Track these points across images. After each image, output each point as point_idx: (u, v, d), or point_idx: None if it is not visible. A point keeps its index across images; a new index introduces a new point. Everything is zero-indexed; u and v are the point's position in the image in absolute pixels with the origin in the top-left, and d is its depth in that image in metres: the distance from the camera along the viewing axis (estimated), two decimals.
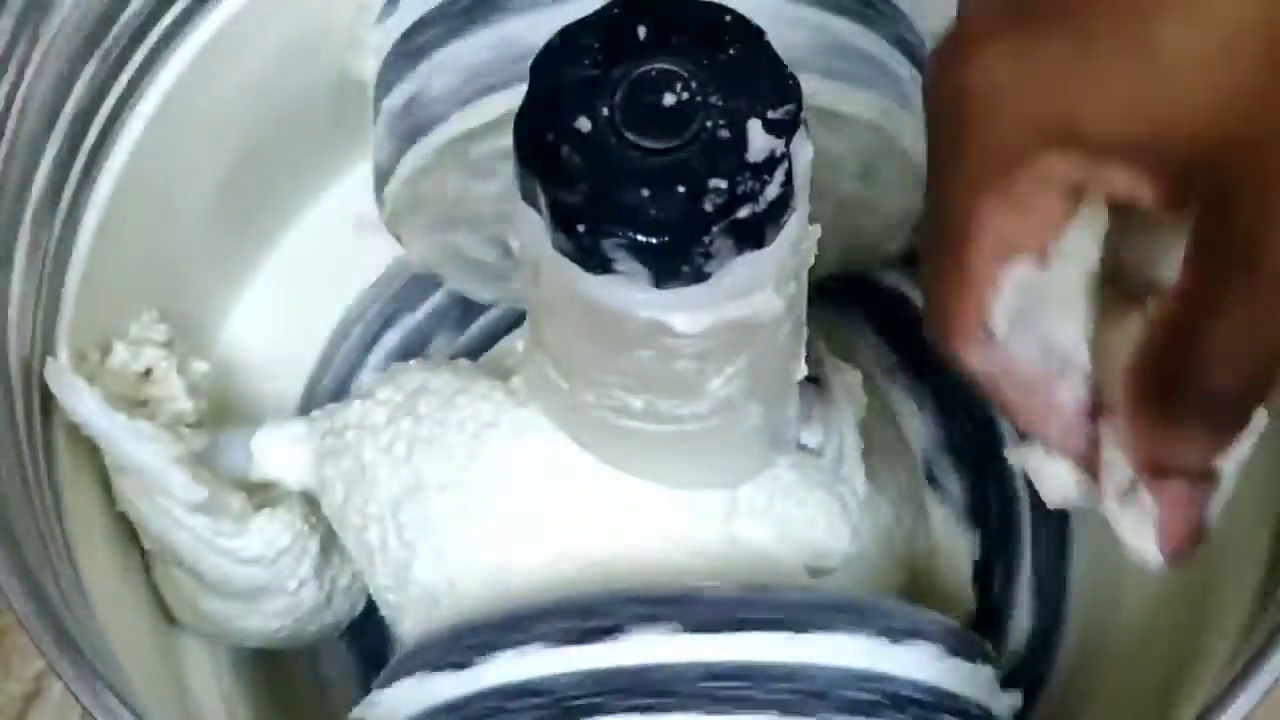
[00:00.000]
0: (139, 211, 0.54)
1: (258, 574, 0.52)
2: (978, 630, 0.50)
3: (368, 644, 0.57)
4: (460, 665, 0.46)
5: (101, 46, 0.51)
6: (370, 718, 0.47)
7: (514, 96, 0.39)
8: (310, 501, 0.52)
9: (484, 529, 0.49)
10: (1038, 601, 0.57)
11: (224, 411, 0.56)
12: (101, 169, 0.52)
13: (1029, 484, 0.57)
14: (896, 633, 0.46)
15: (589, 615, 0.45)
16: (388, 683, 0.47)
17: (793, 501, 0.50)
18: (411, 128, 0.52)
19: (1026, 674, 0.52)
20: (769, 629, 0.45)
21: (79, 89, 0.50)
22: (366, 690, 0.49)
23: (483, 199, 0.53)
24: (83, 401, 0.49)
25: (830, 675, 0.45)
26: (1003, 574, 0.58)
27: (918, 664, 0.46)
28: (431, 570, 0.49)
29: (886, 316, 0.60)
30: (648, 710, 0.44)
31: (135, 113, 0.53)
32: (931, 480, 0.59)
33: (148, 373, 0.53)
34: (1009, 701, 0.48)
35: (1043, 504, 0.57)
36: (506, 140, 0.39)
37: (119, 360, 0.52)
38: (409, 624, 0.50)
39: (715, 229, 0.38)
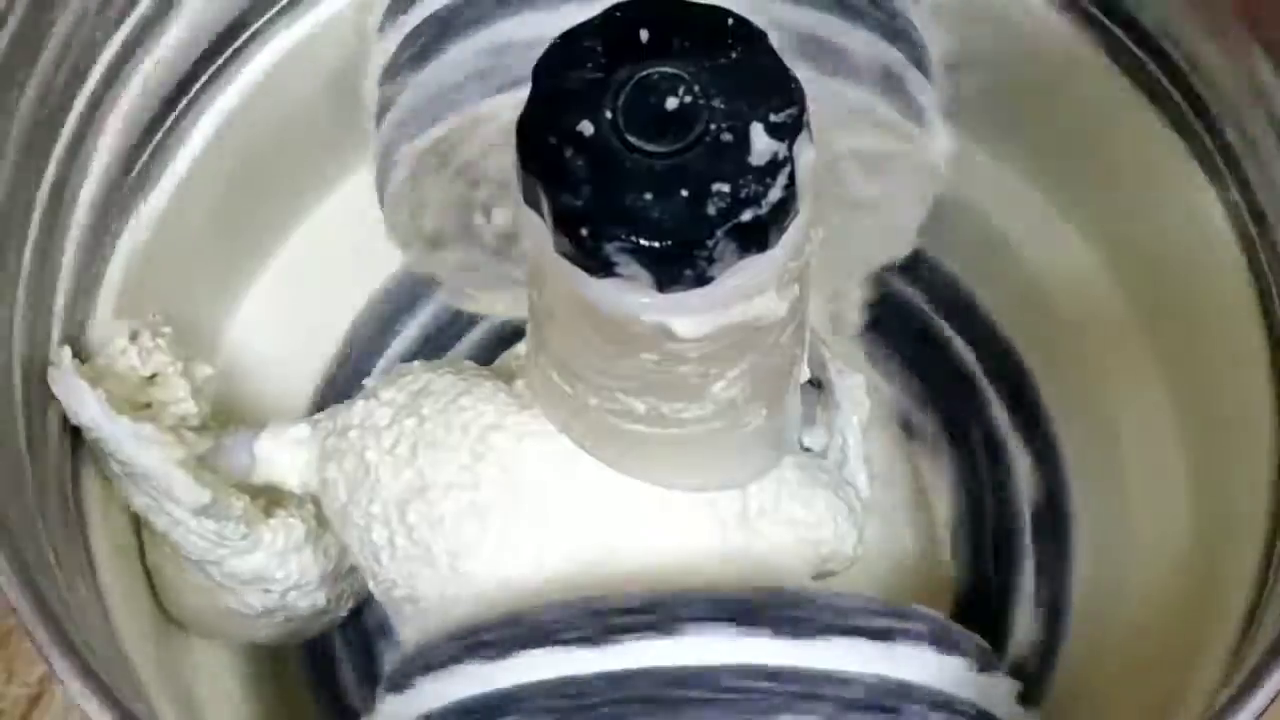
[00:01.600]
0: (143, 214, 0.54)
1: (267, 576, 0.52)
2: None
3: (374, 644, 0.58)
4: (471, 666, 0.46)
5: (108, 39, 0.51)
6: (382, 716, 0.47)
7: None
8: (315, 504, 0.52)
9: (494, 530, 0.49)
10: (1039, 608, 0.57)
11: (227, 414, 0.56)
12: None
13: (1030, 489, 0.58)
14: (912, 638, 0.46)
15: (605, 618, 0.45)
16: (397, 683, 0.47)
17: (799, 502, 0.50)
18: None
19: (1027, 683, 0.52)
20: (784, 633, 0.45)
21: (88, 86, 0.50)
22: (372, 689, 0.49)
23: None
24: (86, 405, 0.49)
25: (843, 679, 0.45)
26: (1002, 581, 0.57)
27: (930, 671, 0.46)
28: (442, 570, 0.49)
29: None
30: (662, 710, 0.44)
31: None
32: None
33: (152, 376, 0.53)
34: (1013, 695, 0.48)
35: (1043, 512, 0.57)
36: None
37: (125, 364, 0.52)
38: (418, 624, 0.50)
39: (718, 232, 0.38)
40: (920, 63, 0.52)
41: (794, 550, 0.50)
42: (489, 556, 0.49)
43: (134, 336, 0.53)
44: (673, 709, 0.44)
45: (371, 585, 0.51)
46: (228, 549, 0.51)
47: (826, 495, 0.50)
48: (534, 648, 0.45)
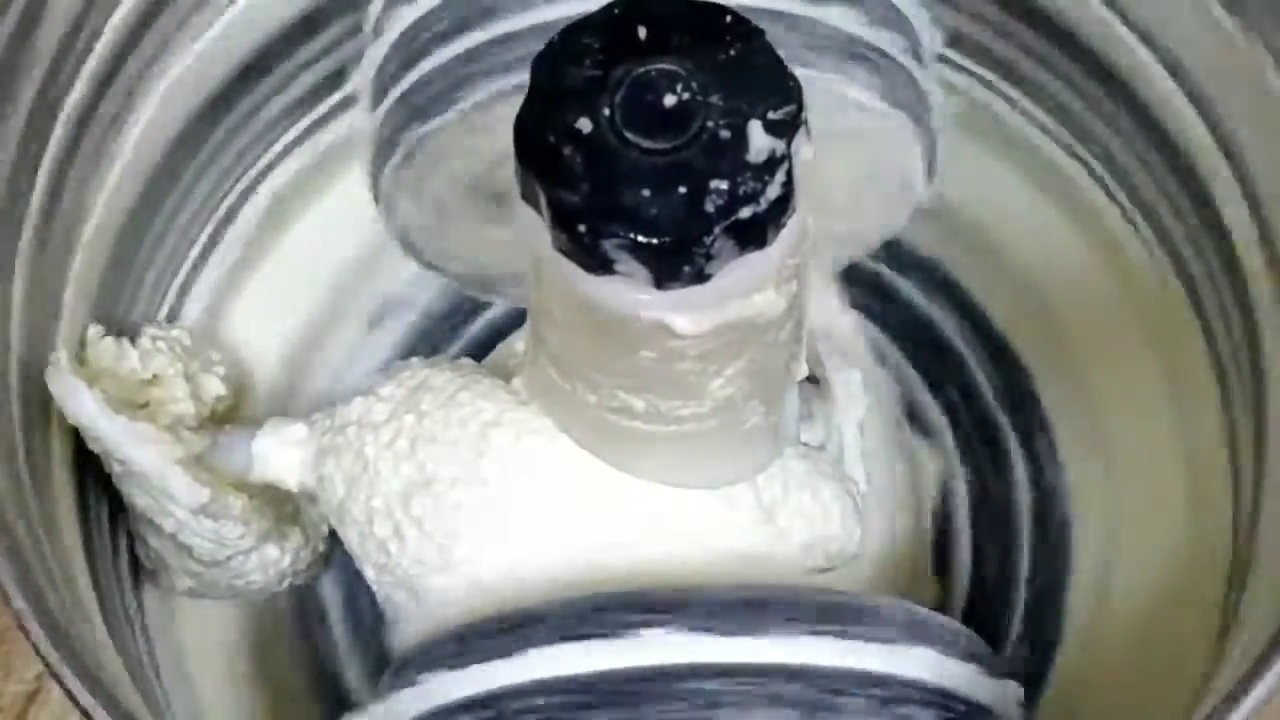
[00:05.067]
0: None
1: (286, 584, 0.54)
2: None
3: (377, 639, 0.58)
4: (477, 662, 0.46)
5: (99, 47, 0.51)
6: (383, 714, 0.47)
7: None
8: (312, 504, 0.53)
9: (501, 525, 0.49)
10: (1036, 607, 0.57)
11: (223, 410, 0.56)
12: (106, 167, 0.52)
13: (1029, 488, 0.58)
14: (913, 635, 0.46)
15: (617, 615, 0.45)
16: (399, 678, 0.47)
17: (807, 493, 0.50)
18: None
19: (1024, 682, 0.52)
20: (795, 630, 0.45)
21: (77, 90, 0.50)
22: (372, 683, 0.49)
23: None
24: (83, 403, 0.49)
25: (852, 678, 0.45)
26: (999, 580, 0.57)
27: (934, 668, 0.46)
28: (450, 561, 0.49)
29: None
30: (667, 707, 0.44)
31: (136, 114, 0.52)
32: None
33: (152, 377, 0.53)
34: (1013, 696, 0.48)
35: (1041, 512, 0.57)
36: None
37: (126, 366, 0.52)
38: (421, 621, 0.50)
39: (716, 229, 0.38)
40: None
41: (803, 546, 0.50)
42: (494, 552, 0.49)
43: (134, 338, 0.53)
44: (690, 707, 0.44)
45: (372, 577, 0.51)
46: (229, 549, 0.51)
47: (832, 486, 0.50)
48: (544, 645, 0.45)
